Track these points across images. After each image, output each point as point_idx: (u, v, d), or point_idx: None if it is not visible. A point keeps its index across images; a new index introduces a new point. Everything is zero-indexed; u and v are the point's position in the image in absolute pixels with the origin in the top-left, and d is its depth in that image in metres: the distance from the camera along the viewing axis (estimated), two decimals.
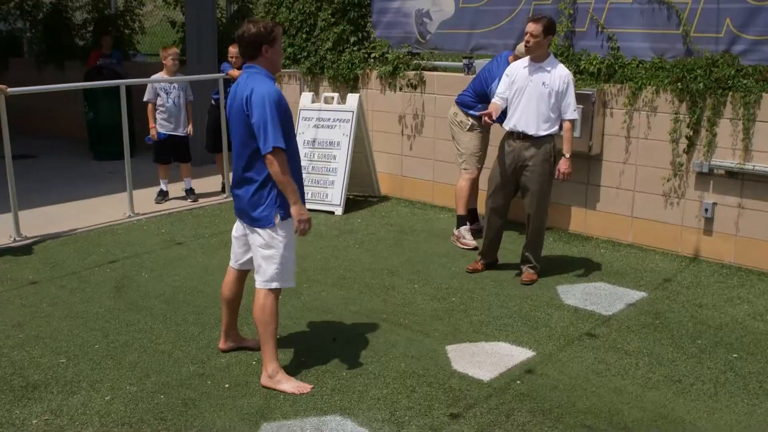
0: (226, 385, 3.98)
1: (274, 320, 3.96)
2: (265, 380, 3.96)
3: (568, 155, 5.36)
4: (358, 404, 3.78)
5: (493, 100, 5.57)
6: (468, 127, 6.45)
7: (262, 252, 3.92)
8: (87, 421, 3.65)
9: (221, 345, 4.39)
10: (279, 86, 8.94)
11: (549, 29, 5.25)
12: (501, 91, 5.49)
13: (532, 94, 5.31)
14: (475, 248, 6.15)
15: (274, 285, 3.94)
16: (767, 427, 3.58)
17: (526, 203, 5.49)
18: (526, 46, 5.32)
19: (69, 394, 3.90)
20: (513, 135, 5.42)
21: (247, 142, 3.82)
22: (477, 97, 6.36)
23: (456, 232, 6.49)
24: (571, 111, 5.32)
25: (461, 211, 6.52)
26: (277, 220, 3.85)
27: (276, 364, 3.96)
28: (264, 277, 3.94)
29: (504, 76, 5.52)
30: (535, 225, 5.50)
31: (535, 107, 5.31)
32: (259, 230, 3.89)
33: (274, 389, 3.90)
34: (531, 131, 5.34)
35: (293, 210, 3.79)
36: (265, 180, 3.83)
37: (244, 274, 4.26)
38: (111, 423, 3.64)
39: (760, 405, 3.78)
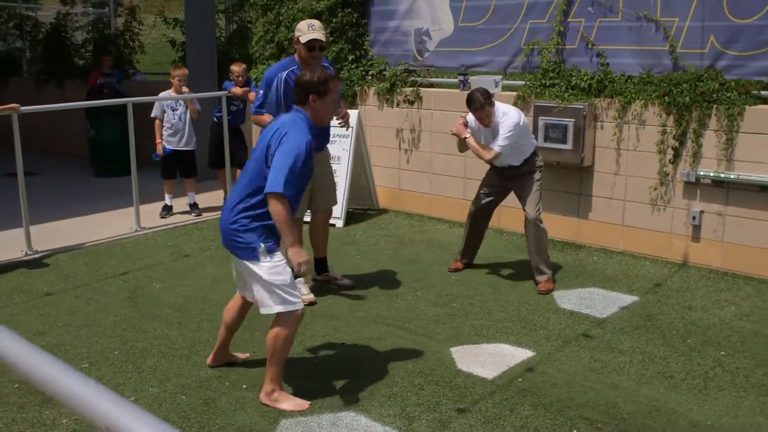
0: (244, 386, 4.20)
1: (286, 349, 3.95)
2: (264, 398, 3.98)
3: (467, 136, 5.75)
4: (369, 401, 4.01)
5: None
6: None
7: (253, 281, 3.90)
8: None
9: (209, 361, 4.43)
10: None
11: (488, 101, 5.60)
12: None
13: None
14: (311, 303, 5.44)
15: (277, 309, 3.87)
16: (754, 416, 3.84)
17: (526, 210, 5.77)
18: (488, 127, 5.67)
19: None
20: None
21: (261, 174, 3.84)
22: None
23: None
24: (497, 144, 5.64)
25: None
26: (261, 249, 3.82)
27: (277, 385, 3.97)
28: (264, 305, 3.90)
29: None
30: (537, 227, 5.75)
31: (509, 150, 5.68)
32: (245, 262, 3.88)
33: (273, 408, 3.93)
34: (515, 164, 5.81)
35: (291, 252, 3.75)
36: (259, 215, 3.84)
37: (248, 304, 4.25)
38: None
39: (747, 397, 4.03)
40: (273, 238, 3.89)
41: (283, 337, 3.91)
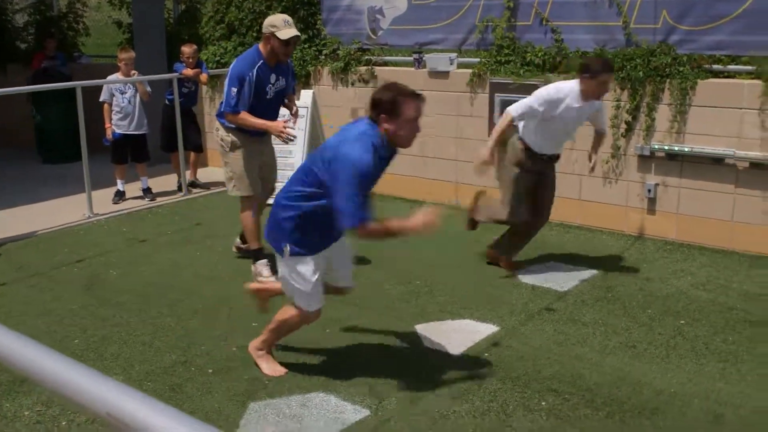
0: (210, 371, 4.15)
1: (287, 331, 4.05)
2: (252, 348, 4.15)
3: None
4: (338, 382, 3.99)
5: (514, 115, 5.28)
6: (230, 145, 5.60)
7: (280, 274, 3.93)
8: (78, 410, 3.78)
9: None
10: None
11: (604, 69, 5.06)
12: (531, 112, 5.20)
13: (573, 126, 5.34)
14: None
15: (295, 301, 3.89)
16: (714, 382, 3.93)
17: (545, 214, 5.65)
18: (589, 100, 5.11)
19: None
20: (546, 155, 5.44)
21: (310, 181, 3.63)
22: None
23: (253, 268, 5.65)
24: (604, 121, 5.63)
25: (255, 245, 5.65)
26: (287, 251, 3.73)
27: (267, 347, 4.13)
28: (289, 296, 3.95)
29: (542, 102, 5.12)
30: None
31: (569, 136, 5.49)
32: (278, 255, 3.87)
33: (255, 361, 4.12)
34: (560, 152, 5.56)
35: (408, 223, 3.52)
36: (296, 215, 3.68)
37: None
38: None
39: (707, 364, 4.13)
40: (305, 247, 3.72)
41: (289, 323, 3.99)
